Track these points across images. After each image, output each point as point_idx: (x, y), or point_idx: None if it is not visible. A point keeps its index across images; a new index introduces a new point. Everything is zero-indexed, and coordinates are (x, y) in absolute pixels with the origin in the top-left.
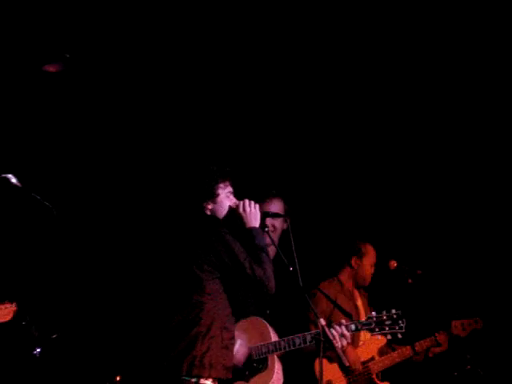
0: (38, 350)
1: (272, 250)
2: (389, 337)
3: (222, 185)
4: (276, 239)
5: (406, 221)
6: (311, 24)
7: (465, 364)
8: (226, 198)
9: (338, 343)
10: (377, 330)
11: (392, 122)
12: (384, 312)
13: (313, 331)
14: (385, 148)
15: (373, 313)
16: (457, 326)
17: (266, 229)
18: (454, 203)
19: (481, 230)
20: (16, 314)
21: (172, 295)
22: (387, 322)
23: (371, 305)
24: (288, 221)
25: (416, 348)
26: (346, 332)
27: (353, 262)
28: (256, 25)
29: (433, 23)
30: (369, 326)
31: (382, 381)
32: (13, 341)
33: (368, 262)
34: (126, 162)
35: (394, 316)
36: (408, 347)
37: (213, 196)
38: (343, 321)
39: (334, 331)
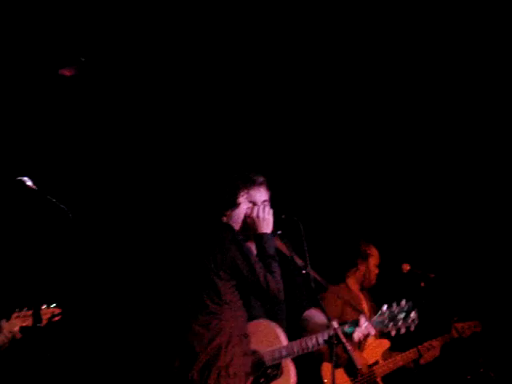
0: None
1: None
2: (393, 333)
3: (242, 192)
4: None
5: (418, 224)
6: (311, 24)
7: (478, 367)
8: (244, 204)
9: (355, 339)
10: (391, 325)
11: (402, 125)
12: (394, 304)
13: (325, 332)
14: (397, 151)
15: (383, 308)
16: (458, 328)
17: (279, 232)
18: (465, 207)
19: (490, 232)
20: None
21: (187, 302)
22: (400, 316)
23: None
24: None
25: (421, 351)
26: (371, 330)
27: (359, 264)
28: (256, 26)
29: (433, 23)
30: (382, 324)
31: None
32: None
33: (373, 263)
34: (143, 168)
35: (405, 307)
36: (412, 350)
37: (234, 205)
38: (363, 320)
39: (359, 334)
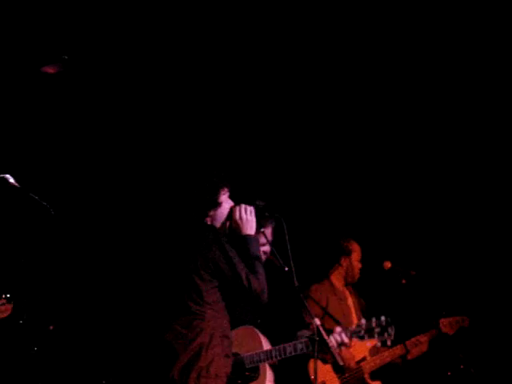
0: (35, 348)
1: (266, 251)
2: (378, 343)
3: (223, 191)
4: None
5: (399, 222)
6: (311, 24)
7: (458, 363)
8: (226, 203)
9: (333, 343)
10: (366, 337)
11: (380, 117)
12: (373, 319)
13: (303, 339)
14: (375, 148)
15: (362, 320)
16: (445, 324)
17: (262, 229)
18: (446, 203)
19: (472, 230)
20: (13, 311)
21: (169, 303)
22: (376, 330)
23: (365, 305)
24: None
25: (408, 347)
26: (345, 339)
27: (342, 261)
28: (256, 26)
29: (433, 23)
30: (358, 334)
31: (374, 380)
32: (10, 339)
33: (355, 258)
34: (124, 165)
35: (383, 323)
36: (399, 346)
37: (216, 205)
38: (338, 328)
39: (333, 340)
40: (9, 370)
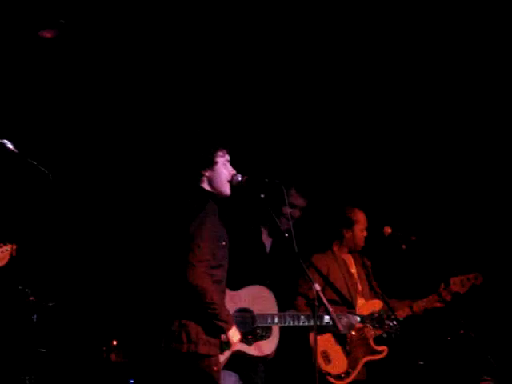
0: (35, 315)
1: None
2: (384, 335)
3: (220, 153)
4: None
5: (398, 186)
6: (311, 24)
7: (458, 328)
8: (223, 166)
9: (332, 308)
10: (376, 325)
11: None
12: (384, 313)
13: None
14: (377, 114)
15: (375, 312)
16: (456, 282)
17: (262, 195)
18: (445, 167)
19: (472, 192)
20: (13, 257)
21: (164, 271)
22: (386, 322)
23: (371, 266)
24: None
25: (414, 309)
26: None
27: (344, 232)
28: (257, 23)
29: (433, 23)
30: (371, 321)
31: (379, 345)
32: (10, 306)
33: (359, 228)
34: (122, 134)
35: (394, 321)
36: (405, 309)
37: (211, 164)
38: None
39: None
40: (8, 337)
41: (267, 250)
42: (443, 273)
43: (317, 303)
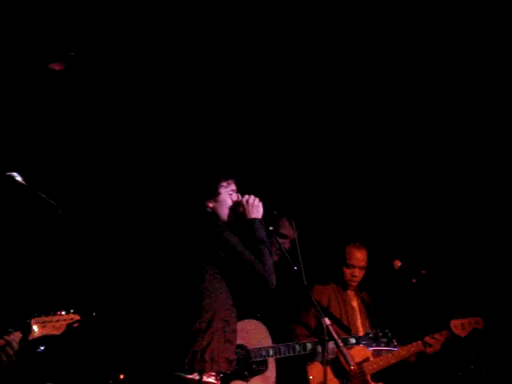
0: (42, 347)
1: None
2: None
3: (224, 183)
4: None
5: (409, 221)
6: (311, 24)
7: (468, 364)
8: (227, 197)
9: (342, 343)
10: (373, 345)
11: (386, 119)
12: (378, 330)
13: (313, 340)
14: (386, 147)
15: (370, 330)
16: (456, 325)
17: (270, 228)
18: (456, 202)
19: (482, 229)
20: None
21: (170, 291)
22: (383, 339)
23: (374, 305)
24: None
25: (426, 342)
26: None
27: (343, 267)
28: (257, 25)
29: (433, 23)
30: (367, 341)
31: (377, 382)
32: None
33: (352, 264)
34: (128, 160)
35: (389, 335)
36: (414, 343)
37: (214, 194)
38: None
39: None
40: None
41: None
42: (450, 309)
43: (327, 337)
